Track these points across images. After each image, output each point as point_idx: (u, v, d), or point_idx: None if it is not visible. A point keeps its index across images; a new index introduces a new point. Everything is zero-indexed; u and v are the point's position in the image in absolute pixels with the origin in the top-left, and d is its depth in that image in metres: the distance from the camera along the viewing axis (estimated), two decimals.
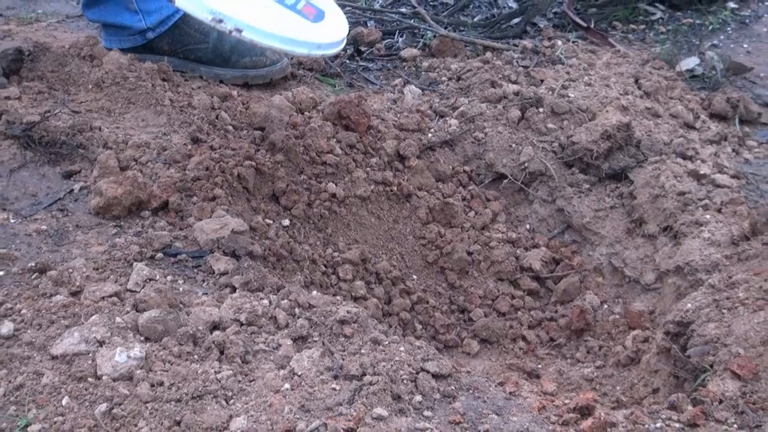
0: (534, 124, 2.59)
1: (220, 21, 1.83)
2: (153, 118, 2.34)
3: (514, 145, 2.55)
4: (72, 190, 2.04)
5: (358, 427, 1.37)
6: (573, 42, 3.13)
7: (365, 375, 1.51)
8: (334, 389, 1.48)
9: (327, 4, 2.14)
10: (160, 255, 1.83)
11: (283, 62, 2.70)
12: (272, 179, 2.23)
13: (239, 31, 1.84)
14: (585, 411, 1.51)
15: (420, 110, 2.62)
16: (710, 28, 3.32)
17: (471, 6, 3.52)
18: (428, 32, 3.15)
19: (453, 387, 1.55)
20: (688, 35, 3.29)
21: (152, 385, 1.45)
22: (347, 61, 3.03)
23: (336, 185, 2.32)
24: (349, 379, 1.51)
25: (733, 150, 2.61)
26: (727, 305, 1.74)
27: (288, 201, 2.23)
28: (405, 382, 1.52)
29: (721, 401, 1.51)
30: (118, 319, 1.59)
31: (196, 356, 1.54)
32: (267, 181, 2.22)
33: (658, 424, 1.46)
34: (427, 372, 1.56)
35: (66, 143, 2.13)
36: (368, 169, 2.39)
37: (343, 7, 3.45)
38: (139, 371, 1.48)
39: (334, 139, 2.39)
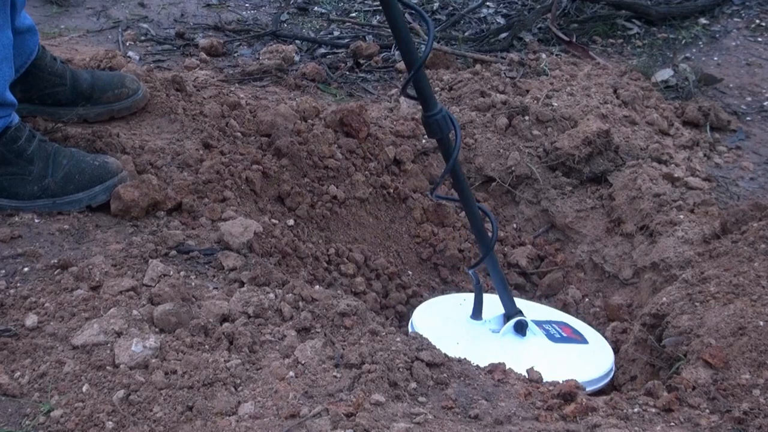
0: (520, 131, 2.59)
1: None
2: (167, 125, 2.33)
3: (501, 151, 2.55)
4: None
5: (357, 412, 1.37)
6: (556, 55, 3.13)
7: (364, 364, 1.50)
8: (335, 377, 1.47)
9: (561, 314, 2.10)
10: (173, 252, 1.82)
11: (143, 89, 2.33)
12: (278, 182, 2.22)
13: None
14: (568, 397, 1.50)
15: (415, 118, 2.62)
16: (683, 42, 3.32)
17: (462, 22, 3.51)
18: (422, 46, 3.15)
19: (445, 375, 1.55)
20: (663, 49, 3.29)
21: (166, 373, 1.45)
22: (347, 73, 3.02)
23: (337, 188, 2.31)
24: (349, 368, 1.50)
25: (705, 155, 2.60)
26: (700, 299, 1.74)
27: (292, 202, 2.22)
28: (401, 370, 1.51)
29: (694, 388, 1.50)
30: (134, 312, 1.58)
31: (207, 346, 1.53)
32: (273, 183, 2.21)
33: (636, 409, 1.46)
34: (422, 361, 1.55)
35: (86, 148, 2.12)
36: (367, 172, 2.38)
37: (343, 23, 3.45)
38: (154, 360, 1.47)
39: (336, 145, 2.38)
